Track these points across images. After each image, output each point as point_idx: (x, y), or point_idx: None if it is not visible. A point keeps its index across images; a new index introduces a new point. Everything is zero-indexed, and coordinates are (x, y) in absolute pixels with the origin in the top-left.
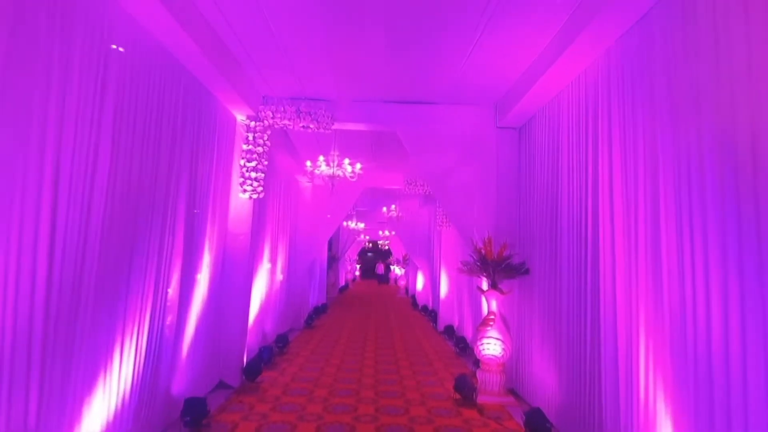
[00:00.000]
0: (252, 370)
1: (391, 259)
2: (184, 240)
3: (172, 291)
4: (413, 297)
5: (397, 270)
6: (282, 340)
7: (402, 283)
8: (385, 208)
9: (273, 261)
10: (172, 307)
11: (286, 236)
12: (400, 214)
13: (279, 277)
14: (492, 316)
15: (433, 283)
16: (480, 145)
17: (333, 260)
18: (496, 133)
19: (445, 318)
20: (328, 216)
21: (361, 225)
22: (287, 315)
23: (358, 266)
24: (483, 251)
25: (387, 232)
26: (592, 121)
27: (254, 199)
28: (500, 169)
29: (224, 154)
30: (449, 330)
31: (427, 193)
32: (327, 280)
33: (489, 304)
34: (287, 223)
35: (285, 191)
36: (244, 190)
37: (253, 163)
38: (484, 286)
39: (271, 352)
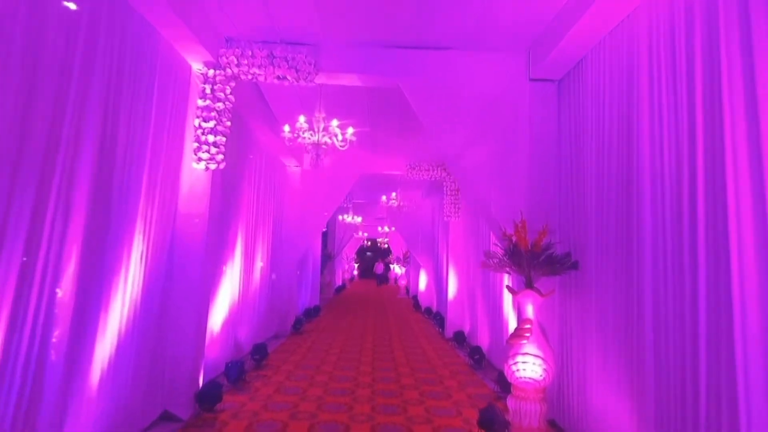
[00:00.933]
0: (208, 396)
1: (391, 257)
2: (87, 219)
3: (63, 292)
4: (415, 298)
5: (397, 269)
6: (260, 351)
7: (402, 282)
8: (384, 197)
9: (250, 256)
10: (62, 315)
11: (269, 227)
12: (401, 203)
13: (258, 275)
14: (528, 326)
15: (438, 282)
16: (508, 104)
17: (328, 258)
18: (529, 87)
19: (453, 323)
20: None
21: (358, 219)
22: (270, 320)
23: (356, 265)
24: (514, 239)
25: (386, 228)
26: (704, 40)
27: (214, 172)
28: (534, 133)
29: (172, 112)
30: (459, 337)
31: (433, 179)
32: (321, 280)
33: (522, 310)
34: (270, 212)
35: (267, 174)
36: (199, 159)
37: (211, 123)
38: (507, 281)
39: (241, 369)
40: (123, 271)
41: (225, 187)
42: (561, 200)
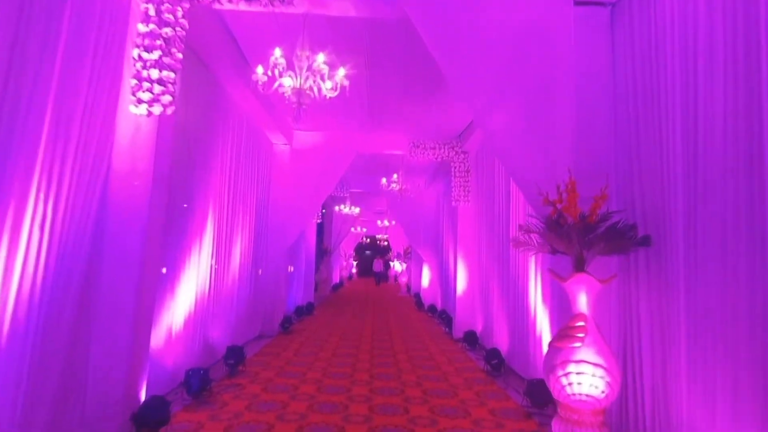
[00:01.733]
0: (148, 418)
1: (390, 254)
2: None
3: None
4: (417, 296)
5: (397, 266)
6: (235, 355)
7: (403, 279)
8: (384, 180)
9: (225, 241)
10: None
11: (251, 212)
12: (403, 186)
13: (237, 265)
14: (581, 323)
15: (444, 277)
16: (547, 37)
17: (324, 253)
18: (574, 14)
19: (463, 321)
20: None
21: (356, 210)
22: (253, 318)
23: (354, 263)
24: (559, 205)
25: (386, 222)
26: None
27: (163, 122)
28: (581, 74)
29: (100, 41)
30: (471, 338)
31: (439, 159)
32: (317, 276)
33: (574, 301)
34: (253, 194)
35: (250, 149)
36: (138, 100)
37: (155, 54)
38: (533, 268)
39: (204, 378)
40: (5, 246)
41: (185, 147)
42: (617, 158)
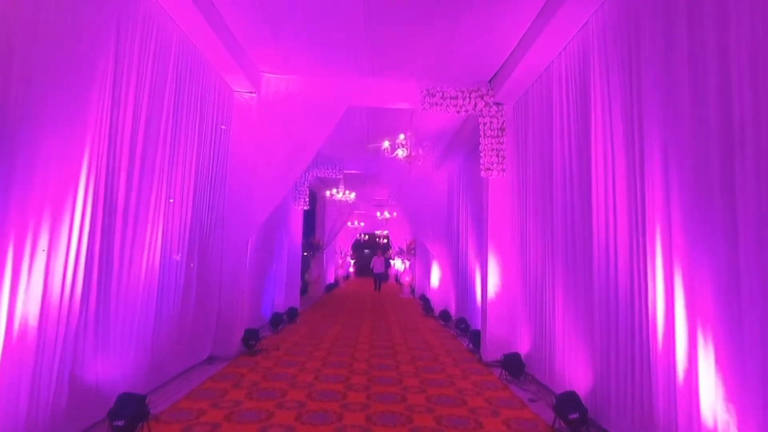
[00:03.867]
0: None
1: (391, 252)
2: None
3: None
4: (423, 298)
5: (398, 264)
6: (125, 409)
7: (406, 279)
8: (386, 143)
9: (137, 221)
10: None
11: (188, 180)
12: (412, 153)
13: (159, 252)
14: None
15: (460, 276)
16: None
17: (315, 249)
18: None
19: (498, 338)
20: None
21: (352, 195)
22: (195, 334)
23: (352, 261)
24: None
25: (386, 214)
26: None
27: None
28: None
29: None
30: (512, 364)
31: (463, 114)
32: (306, 276)
33: None
34: (192, 156)
35: (191, 92)
36: None
37: None
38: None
39: None
40: None
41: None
42: None
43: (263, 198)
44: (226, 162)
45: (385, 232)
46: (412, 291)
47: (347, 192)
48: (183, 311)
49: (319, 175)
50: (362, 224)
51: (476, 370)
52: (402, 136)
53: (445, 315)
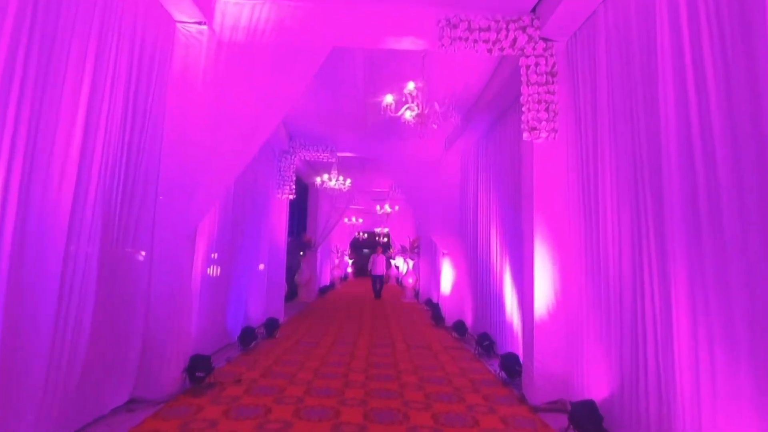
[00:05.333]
0: None
1: (392, 251)
2: None
3: None
4: (430, 303)
5: (399, 264)
6: None
7: (409, 282)
8: (389, 97)
9: None
10: None
11: (100, 141)
12: (424, 110)
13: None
14: None
15: (481, 279)
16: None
17: (307, 247)
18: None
19: (550, 372)
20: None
21: (347, 182)
22: (71, 380)
23: (350, 261)
24: None
25: (387, 208)
26: None
27: None
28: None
29: None
30: (583, 415)
31: (496, 54)
32: (298, 277)
33: None
34: (114, 109)
35: (115, 26)
36: None
37: None
38: None
39: None
40: None
41: None
42: None
43: (214, 172)
44: (160, 122)
45: (386, 230)
46: (416, 295)
47: (341, 178)
48: (74, 341)
49: (307, 158)
50: (360, 221)
51: (523, 419)
52: (411, 86)
53: (459, 327)
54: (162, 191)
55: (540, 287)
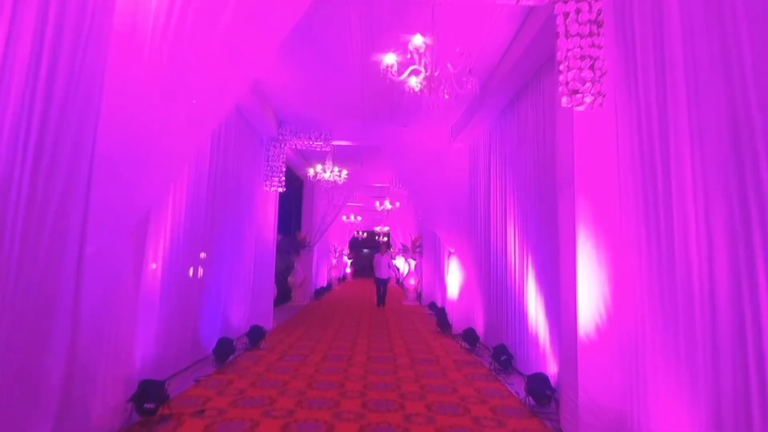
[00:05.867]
0: None
1: (393, 251)
2: None
3: None
4: (433, 307)
5: (400, 264)
6: None
7: (411, 283)
8: (391, 57)
9: None
10: None
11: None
12: (435, 73)
13: None
14: None
15: (495, 281)
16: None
17: (301, 247)
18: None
19: (604, 406)
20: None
21: (344, 173)
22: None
23: (349, 261)
24: None
25: (387, 204)
26: None
27: None
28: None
29: None
30: None
31: (522, 3)
32: (291, 278)
33: None
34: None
35: None
36: None
37: None
38: None
39: None
40: None
41: None
42: None
43: (167, 148)
44: (98, 82)
45: (386, 229)
46: (419, 297)
47: (336, 170)
48: None
49: (299, 146)
50: (359, 219)
51: None
52: (419, 39)
53: (469, 336)
54: (97, 171)
55: (585, 295)
